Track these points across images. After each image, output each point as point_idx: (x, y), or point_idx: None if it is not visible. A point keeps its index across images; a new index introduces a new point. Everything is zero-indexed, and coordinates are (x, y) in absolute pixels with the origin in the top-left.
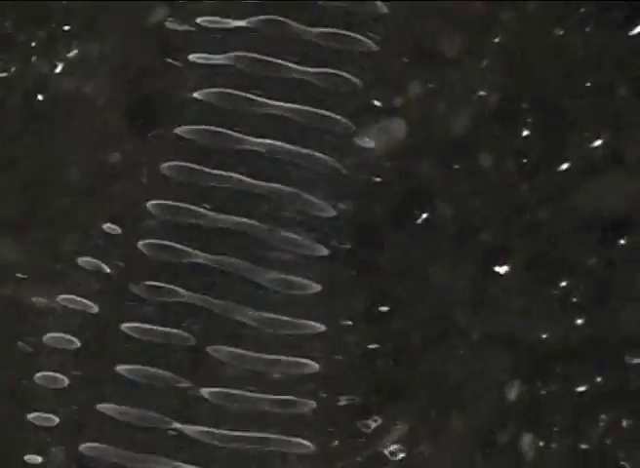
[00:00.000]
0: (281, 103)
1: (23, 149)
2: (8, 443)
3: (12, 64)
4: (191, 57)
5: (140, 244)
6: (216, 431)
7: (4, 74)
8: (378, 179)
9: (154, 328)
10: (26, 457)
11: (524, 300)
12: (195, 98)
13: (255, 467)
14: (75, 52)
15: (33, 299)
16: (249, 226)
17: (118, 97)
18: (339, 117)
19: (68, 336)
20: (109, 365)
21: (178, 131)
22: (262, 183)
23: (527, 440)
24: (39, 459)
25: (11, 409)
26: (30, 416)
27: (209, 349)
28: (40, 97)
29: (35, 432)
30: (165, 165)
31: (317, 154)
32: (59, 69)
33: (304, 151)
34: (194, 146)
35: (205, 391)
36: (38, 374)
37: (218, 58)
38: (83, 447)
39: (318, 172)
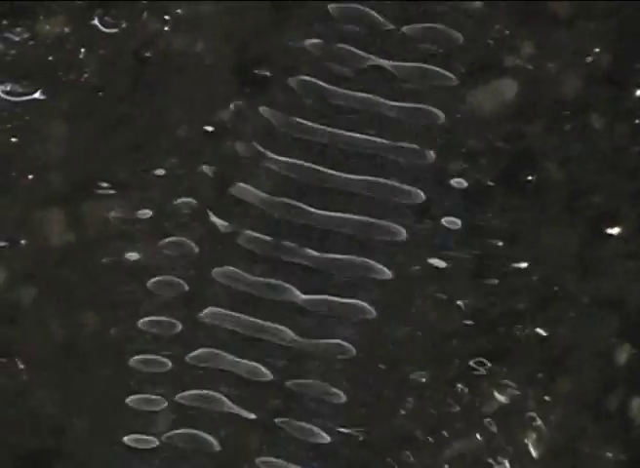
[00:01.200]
0: (390, 62)
1: (134, 106)
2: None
3: (122, 21)
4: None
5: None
6: None
7: (114, 30)
8: (488, 140)
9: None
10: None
11: (634, 264)
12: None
13: None
14: (185, 8)
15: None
16: (359, 186)
17: (228, 55)
18: (449, 74)
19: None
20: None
21: (290, 86)
22: (375, 139)
23: (636, 404)
24: None
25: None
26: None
27: None
28: (149, 55)
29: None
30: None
31: (429, 109)
32: (168, 26)
33: (412, 107)
34: (305, 103)
35: None
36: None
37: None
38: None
39: (427, 129)
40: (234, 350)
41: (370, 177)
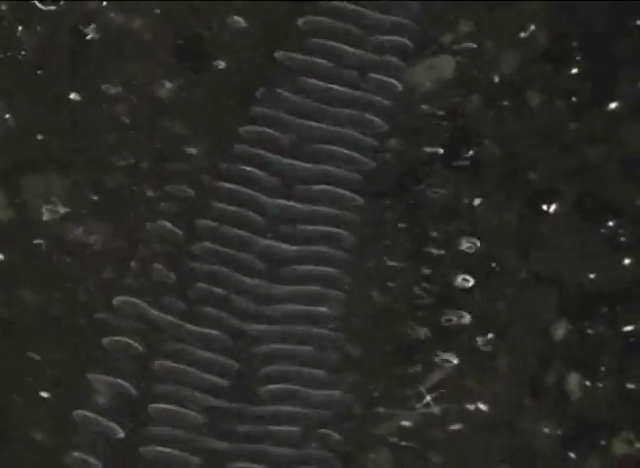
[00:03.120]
0: (332, 43)
1: (72, 84)
2: None
3: None
4: None
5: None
6: None
7: (52, 7)
8: (426, 117)
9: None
10: None
11: (572, 240)
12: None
13: None
14: None
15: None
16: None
17: (167, 32)
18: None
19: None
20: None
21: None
22: (312, 123)
23: (573, 380)
24: None
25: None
26: None
27: None
28: (89, 31)
29: None
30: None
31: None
32: (106, 3)
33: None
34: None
35: None
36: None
37: None
38: None
39: (367, 109)
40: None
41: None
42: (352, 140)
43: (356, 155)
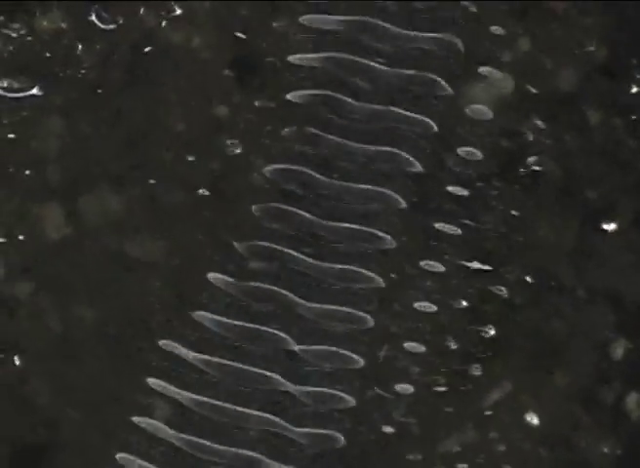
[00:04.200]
0: (384, 67)
1: (130, 102)
2: None
3: (118, 16)
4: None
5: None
6: None
7: (111, 26)
8: (485, 135)
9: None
10: None
11: (630, 258)
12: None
13: None
14: (182, 4)
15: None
16: (344, 189)
17: (224, 51)
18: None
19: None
20: None
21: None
22: (366, 146)
23: (632, 399)
24: None
25: (124, 369)
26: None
27: None
28: (147, 50)
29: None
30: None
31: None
32: (165, 22)
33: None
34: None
35: None
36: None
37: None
38: None
39: (423, 131)
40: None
41: (367, 187)
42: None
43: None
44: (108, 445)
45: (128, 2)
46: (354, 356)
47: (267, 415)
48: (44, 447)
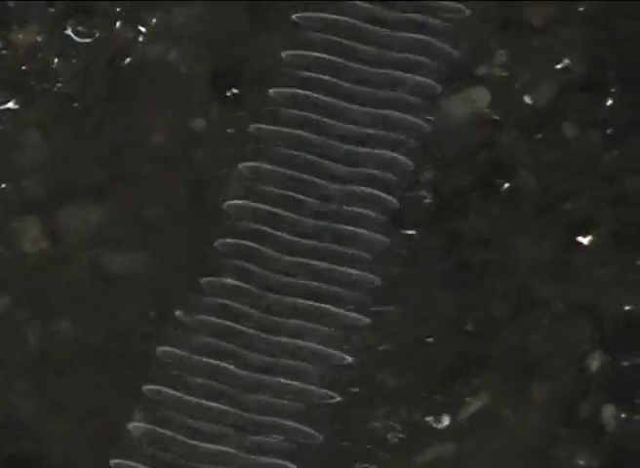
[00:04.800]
0: (367, 68)
1: (109, 115)
2: None
3: (96, 30)
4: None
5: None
6: None
7: (87, 40)
8: (461, 148)
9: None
10: None
11: (608, 271)
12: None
13: None
14: (159, 18)
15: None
16: (331, 191)
17: (203, 63)
18: (426, 81)
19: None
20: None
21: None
22: (350, 147)
23: (609, 411)
24: None
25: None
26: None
27: None
28: (125, 63)
29: None
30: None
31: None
32: (142, 36)
33: (389, 116)
34: (280, 112)
35: None
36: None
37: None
38: None
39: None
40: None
41: (345, 187)
42: (378, 179)
43: (382, 194)
44: (93, 456)
45: (104, 15)
46: None
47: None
48: (28, 458)
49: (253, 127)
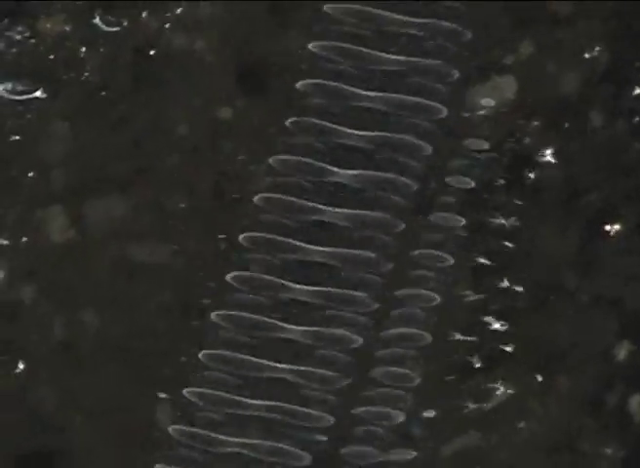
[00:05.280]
0: (394, 56)
1: (134, 105)
2: None
3: (122, 19)
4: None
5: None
6: None
7: (115, 29)
8: (488, 138)
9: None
10: None
11: (633, 262)
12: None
13: None
14: (185, 7)
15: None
16: (359, 180)
17: (228, 54)
18: (451, 71)
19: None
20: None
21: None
22: (370, 134)
23: (635, 401)
24: None
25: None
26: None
27: None
28: (151, 53)
29: None
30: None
31: (429, 105)
32: (169, 25)
33: (414, 104)
34: (306, 103)
35: None
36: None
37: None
38: None
39: (427, 128)
40: (243, 349)
41: (367, 172)
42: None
43: (404, 179)
44: (116, 452)
45: (131, 4)
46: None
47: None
48: (51, 453)
49: (280, 119)
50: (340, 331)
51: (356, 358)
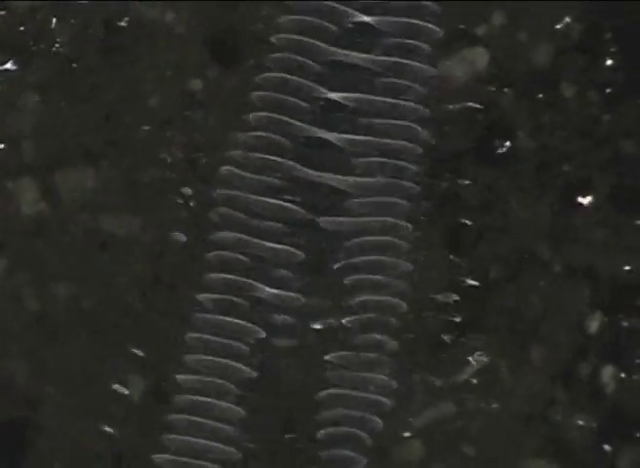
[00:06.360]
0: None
1: (104, 78)
2: None
3: None
4: None
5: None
6: None
7: (85, 1)
8: (460, 109)
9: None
10: None
11: (606, 232)
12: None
13: None
14: None
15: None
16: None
17: (198, 25)
18: (422, 45)
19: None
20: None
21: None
22: (349, 95)
23: (608, 372)
24: None
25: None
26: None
27: None
28: (121, 25)
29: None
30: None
31: (400, 82)
32: None
33: (387, 80)
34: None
35: None
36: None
37: None
38: None
39: (402, 100)
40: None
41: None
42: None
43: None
44: (86, 423)
45: None
46: None
47: None
48: (25, 424)
49: (251, 93)
50: None
51: None
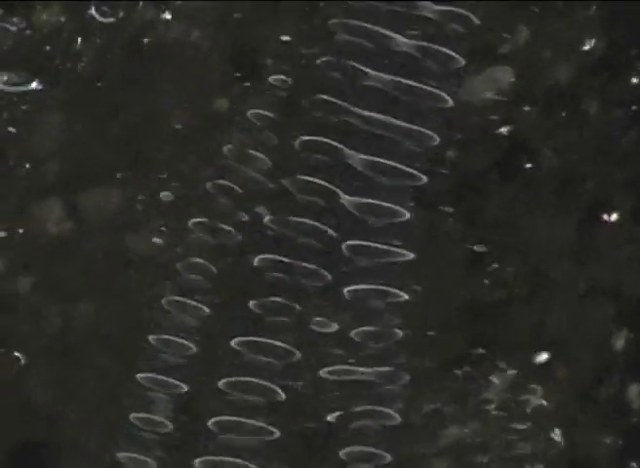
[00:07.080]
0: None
1: (128, 96)
2: None
3: (118, 10)
4: None
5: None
6: None
7: (111, 20)
8: (483, 127)
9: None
10: None
11: (630, 250)
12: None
13: None
14: None
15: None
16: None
17: (223, 44)
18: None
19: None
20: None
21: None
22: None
23: (633, 390)
24: None
25: (123, 365)
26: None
27: None
28: (146, 44)
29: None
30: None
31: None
32: (165, 15)
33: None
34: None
35: None
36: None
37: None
38: None
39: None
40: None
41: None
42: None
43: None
44: (108, 442)
45: None
46: None
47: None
48: (44, 444)
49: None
50: None
51: None
